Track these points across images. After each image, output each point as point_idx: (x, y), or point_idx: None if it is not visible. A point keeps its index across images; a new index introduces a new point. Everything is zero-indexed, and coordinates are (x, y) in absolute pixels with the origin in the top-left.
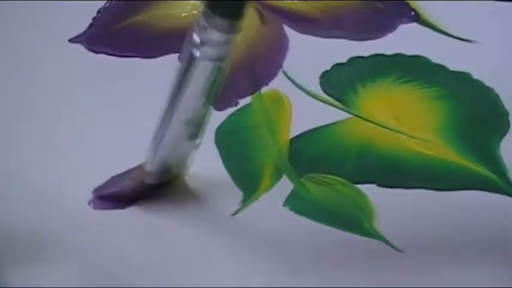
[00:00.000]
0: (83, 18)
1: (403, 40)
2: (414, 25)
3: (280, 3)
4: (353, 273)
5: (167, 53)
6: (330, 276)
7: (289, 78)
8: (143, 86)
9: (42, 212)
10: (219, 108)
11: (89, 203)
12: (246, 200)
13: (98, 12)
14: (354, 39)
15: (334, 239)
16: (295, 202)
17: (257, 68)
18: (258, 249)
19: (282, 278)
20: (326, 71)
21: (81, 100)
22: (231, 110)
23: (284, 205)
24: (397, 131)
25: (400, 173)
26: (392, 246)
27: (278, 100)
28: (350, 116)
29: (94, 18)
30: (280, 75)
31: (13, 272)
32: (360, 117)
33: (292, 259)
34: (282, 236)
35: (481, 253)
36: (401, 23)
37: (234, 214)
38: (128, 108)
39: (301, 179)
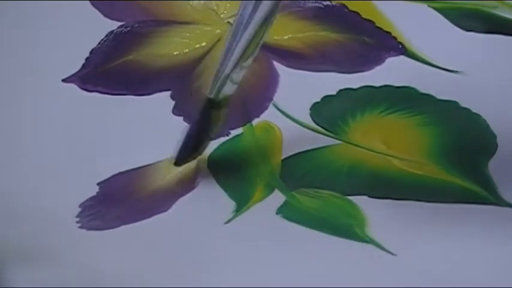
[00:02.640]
0: (75, 59)
1: (391, 72)
2: (402, 58)
3: (268, 40)
4: (347, 277)
5: (160, 91)
6: (323, 279)
7: (280, 110)
8: (136, 122)
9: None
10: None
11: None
12: (239, 210)
13: (91, 52)
14: (342, 72)
15: (327, 244)
16: (288, 210)
17: (248, 102)
18: (251, 256)
19: (275, 282)
20: (316, 103)
21: (74, 135)
22: (222, 139)
23: (277, 213)
24: (386, 155)
25: (391, 187)
26: (385, 250)
27: (269, 130)
28: (341, 142)
29: (87, 59)
30: (270, 107)
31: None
32: (350, 143)
33: (286, 264)
34: (275, 242)
35: (473, 255)
36: (389, 56)
37: (227, 222)
38: (121, 143)
39: (293, 193)
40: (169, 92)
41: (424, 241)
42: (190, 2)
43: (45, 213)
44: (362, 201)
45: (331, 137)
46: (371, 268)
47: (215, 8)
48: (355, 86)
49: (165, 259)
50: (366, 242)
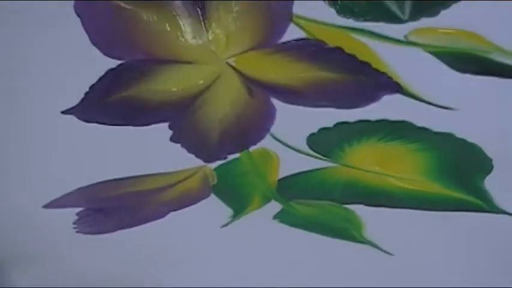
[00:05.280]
0: (74, 95)
1: (387, 108)
2: (397, 96)
3: (266, 78)
4: (345, 275)
5: (158, 123)
6: (321, 277)
7: (277, 139)
8: (134, 151)
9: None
10: (208, 160)
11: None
12: (236, 216)
13: (90, 88)
14: (339, 108)
15: (324, 244)
16: (285, 216)
17: (245, 133)
18: (249, 256)
19: (274, 280)
20: (312, 134)
21: (72, 162)
22: (219, 162)
23: (274, 218)
24: (382, 174)
25: (387, 199)
26: (382, 250)
27: (266, 155)
28: (336, 164)
29: (86, 93)
30: (268, 137)
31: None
32: (345, 165)
33: (284, 263)
34: (272, 243)
35: (467, 255)
36: (385, 94)
37: (224, 226)
38: (120, 170)
39: (290, 202)
40: (167, 123)
41: (420, 242)
42: (189, 42)
43: (43, 221)
44: (358, 209)
45: (327, 160)
46: (369, 267)
47: (213, 49)
48: (351, 120)
49: (160, 260)
50: (363, 243)
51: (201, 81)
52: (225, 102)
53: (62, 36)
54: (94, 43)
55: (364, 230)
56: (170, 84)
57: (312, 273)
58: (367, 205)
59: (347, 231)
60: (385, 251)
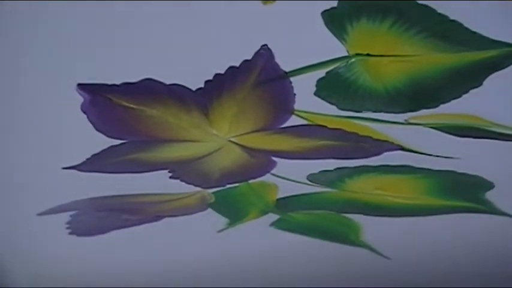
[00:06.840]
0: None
1: (388, 158)
2: (399, 152)
3: (268, 147)
4: (342, 278)
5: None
6: (318, 280)
7: (278, 176)
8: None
9: None
10: (207, 187)
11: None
12: (233, 224)
13: (92, 156)
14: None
15: (321, 248)
16: (282, 223)
17: (245, 176)
18: (246, 261)
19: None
20: (312, 173)
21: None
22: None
23: (271, 225)
24: (381, 195)
25: (385, 212)
26: (379, 253)
27: (265, 185)
28: (337, 190)
29: (87, 159)
30: (268, 175)
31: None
32: (345, 190)
33: (281, 267)
34: (269, 248)
35: (463, 256)
36: (387, 151)
37: (220, 231)
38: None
39: (288, 213)
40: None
41: (417, 245)
42: (191, 126)
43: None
44: (357, 217)
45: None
46: (366, 270)
47: (215, 132)
48: (351, 165)
49: (154, 261)
50: (361, 246)
51: (202, 152)
52: (226, 161)
53: None
54: (98, 130)
55: (361, 234)
56: (173, 153)
57: (309, 275)
58: (367, 215)
59: (345, 235)
60: (382, 255)
